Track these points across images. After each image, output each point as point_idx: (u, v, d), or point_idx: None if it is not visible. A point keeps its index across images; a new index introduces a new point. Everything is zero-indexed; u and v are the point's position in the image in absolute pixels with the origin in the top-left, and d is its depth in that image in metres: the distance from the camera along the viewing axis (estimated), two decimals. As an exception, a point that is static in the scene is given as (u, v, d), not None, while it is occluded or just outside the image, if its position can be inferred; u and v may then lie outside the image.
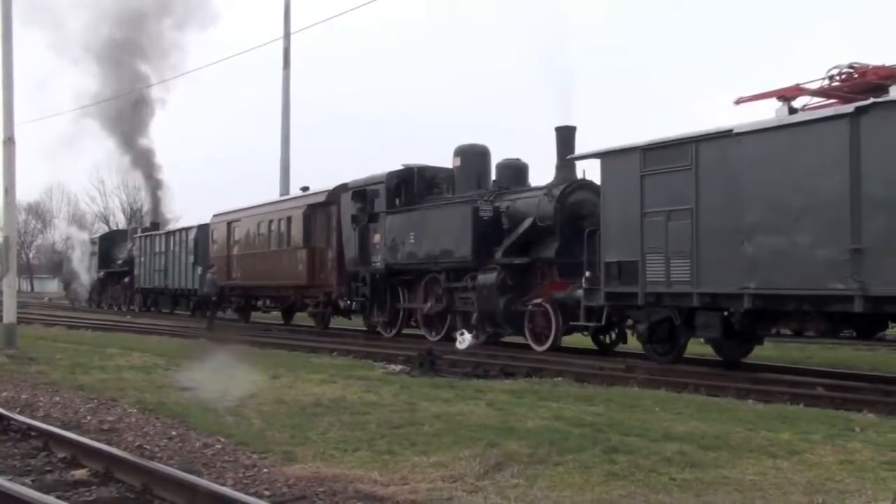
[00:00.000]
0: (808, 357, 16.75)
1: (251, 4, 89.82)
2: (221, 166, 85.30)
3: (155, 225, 43.50)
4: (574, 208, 17.46)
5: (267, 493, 5.94)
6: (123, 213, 74.81)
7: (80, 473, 6.55)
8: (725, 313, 13.37)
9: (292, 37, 34.42)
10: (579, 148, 17.96)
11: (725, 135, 13.08)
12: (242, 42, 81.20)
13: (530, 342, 17.42)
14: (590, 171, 18.18)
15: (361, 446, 7.45)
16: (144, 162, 49.00)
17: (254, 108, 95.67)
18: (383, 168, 21.85)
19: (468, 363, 14.62)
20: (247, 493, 5.68)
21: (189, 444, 7.54)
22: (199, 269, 31.95)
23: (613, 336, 17.33)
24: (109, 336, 21.63)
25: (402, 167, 21.55)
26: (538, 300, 17.23)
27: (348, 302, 23.61)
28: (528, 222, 17.84)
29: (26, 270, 79.52)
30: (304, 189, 27.29)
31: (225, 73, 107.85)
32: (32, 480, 6.34)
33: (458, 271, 19.20)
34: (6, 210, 17.45)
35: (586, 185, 17.65)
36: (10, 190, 16.89)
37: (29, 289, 78.96)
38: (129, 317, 34.31)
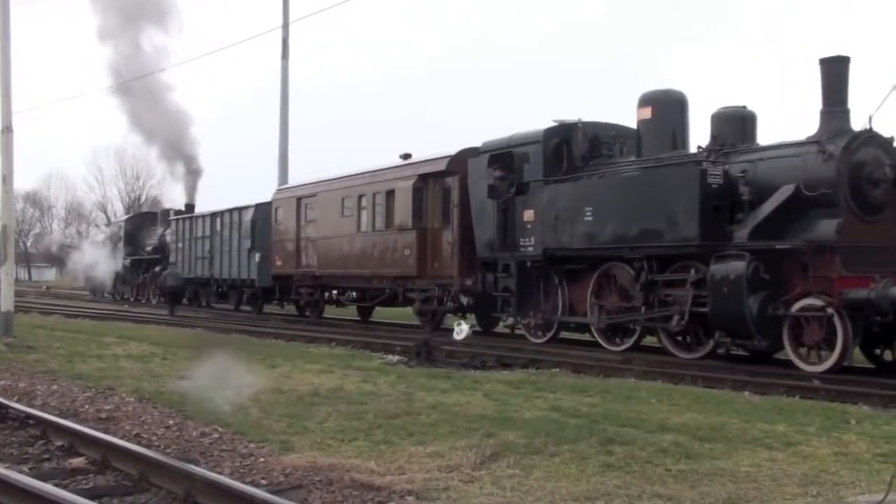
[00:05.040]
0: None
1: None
2: (217, 158, 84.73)
3: (189, 207, 38.31)
4: (862, 171, 12.79)
5: (263, 481, 5.95)
6: (122, 202, 74.91)
7: (77, 461, 6.56)
8: None
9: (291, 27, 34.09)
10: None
11: None
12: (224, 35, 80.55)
13: (793, 358, 12.63)
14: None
15: (358, 436, 7.47)
16: (179, 136, 42.14)
17: (248, 101, 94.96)
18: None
19: (465, 354, 14.64)
20: (243, 482, 5.69)
21: (186, 433, 7.56)
22: (258, 256, 27.54)
23: None
24: (107, 325, 21.63)
25: (555, 123, 17.09)
26: (815, 301, 12.32)
27: (471, 298, 19.17)
28: (786, 191, 13.00)
29: (24, 259, 79.46)
30: (406, 156, 22.06)
31: (217, 65, 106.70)
32: (30, 468, 6.36)
33: (665, 259, 14.48)
34: (4, 198, 17.40)
35: (875, 138, 13.04)
36: (7, 178, 16.88)
37: (27, 277, 78.94)
38: (126, 306, 34.04)
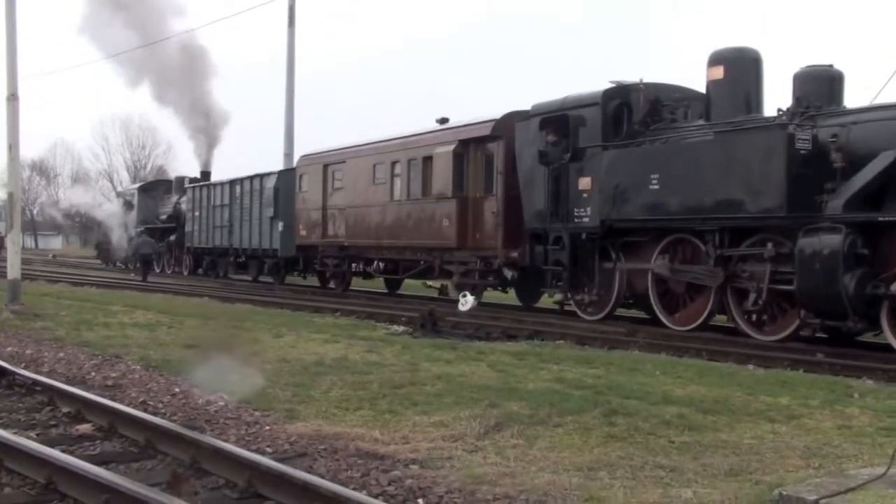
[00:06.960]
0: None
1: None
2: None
3: (205, 175, 36.96)
4: None
5: (269, 449, 6.00)
6: (127, 170, 75.06)
7: (84, 428, 6.61)
8: None
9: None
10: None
11: None
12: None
13: (893, 341, 11.41)
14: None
15: (363, 405, 7.51)
16: (200, 99, 40.10)
17: (253, 73, 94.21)
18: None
19: (470, 325, 14.67)
20: (249, 450, 5.74)
21: (192, 401, 7.61)
22: (281, 225, 26.57)
23: None
24: (114, 293, 21.70)
25: (612, 84, 15.93)
26: None
27: (517, 271, 18.01)
28: (886, 157, 11.72)
29: (30, 227, 79.68)
30: (443, 121, 20.71)
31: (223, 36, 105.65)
32: (37, 434, 6.41)
33: (740, 231, 13.34)
34: (11, 166, 17.45)
35: None
36: (14, 146, 16.87)
37: (33, 245, 79.20)
38: (132, 274, 33.82)
